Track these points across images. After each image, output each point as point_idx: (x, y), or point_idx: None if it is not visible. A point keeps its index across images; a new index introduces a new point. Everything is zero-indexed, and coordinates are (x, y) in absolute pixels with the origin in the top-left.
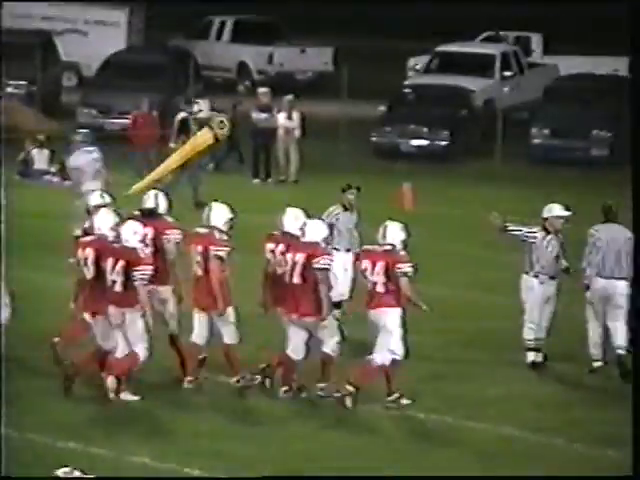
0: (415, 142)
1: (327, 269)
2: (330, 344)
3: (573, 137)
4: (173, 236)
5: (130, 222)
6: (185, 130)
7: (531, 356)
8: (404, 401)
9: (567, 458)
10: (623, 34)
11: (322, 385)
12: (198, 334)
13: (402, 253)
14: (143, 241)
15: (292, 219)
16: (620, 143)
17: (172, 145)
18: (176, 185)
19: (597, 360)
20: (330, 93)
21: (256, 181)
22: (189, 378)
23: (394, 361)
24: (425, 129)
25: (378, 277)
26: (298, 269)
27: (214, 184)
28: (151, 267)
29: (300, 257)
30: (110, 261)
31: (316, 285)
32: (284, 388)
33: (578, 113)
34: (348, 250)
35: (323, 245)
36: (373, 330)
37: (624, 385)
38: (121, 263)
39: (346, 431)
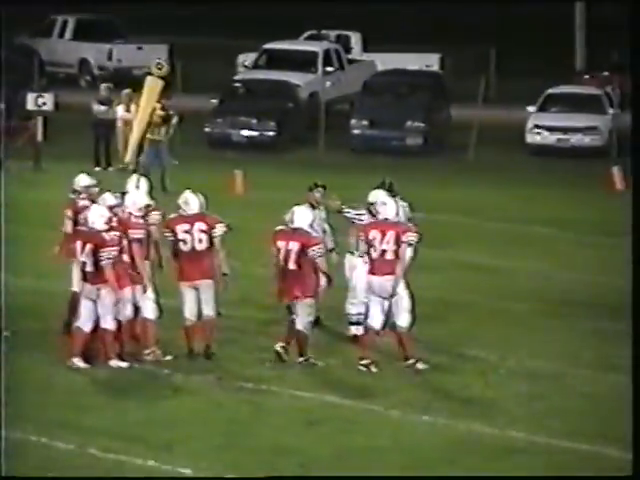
0: (245, 132)
1: (321, 256)
2: (303, 322)
3: (389, 127)
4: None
5: (95, 206)
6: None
7: (353, 329)
8: (420, 366)
9: (385, 424)
10: (432, 30)
11: (301, 359)
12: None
13: (410, 224)
14: (108, 223)
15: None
16: (433, 133)
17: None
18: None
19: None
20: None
21: (98, 169)
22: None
23: (402, 327)
24: (254, 120)
25: (388, 245)
26: (293, 257)
27: (57, 172)
28: (116, 248)
29: (294, 245)
30: (79, 244)
31: (310, 271)
32: (301, 359)
33: (393, 105)
34: None
35: (313, 233)
36: (375, 297)
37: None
38: (89, 246)
39: (180, 400)
